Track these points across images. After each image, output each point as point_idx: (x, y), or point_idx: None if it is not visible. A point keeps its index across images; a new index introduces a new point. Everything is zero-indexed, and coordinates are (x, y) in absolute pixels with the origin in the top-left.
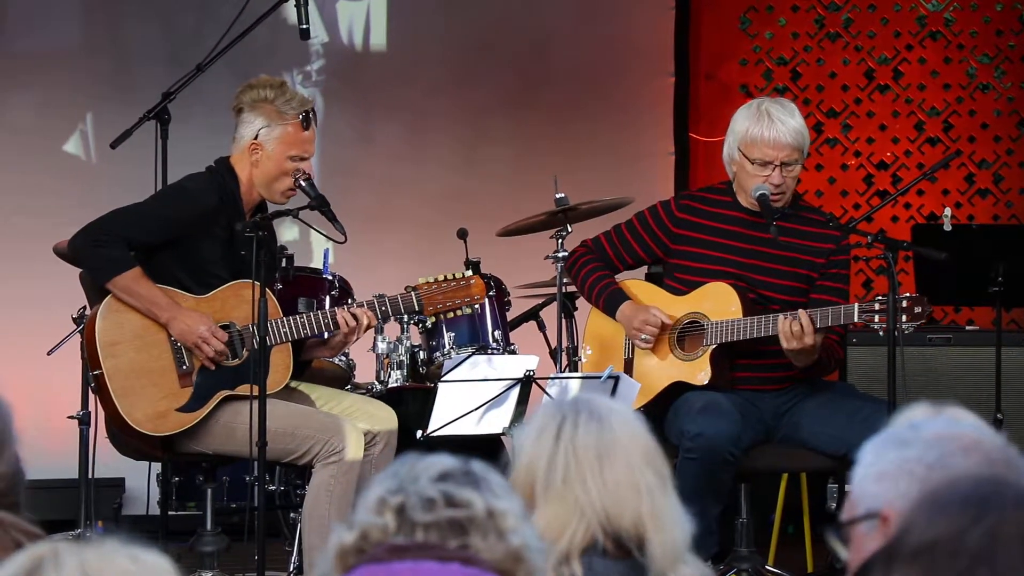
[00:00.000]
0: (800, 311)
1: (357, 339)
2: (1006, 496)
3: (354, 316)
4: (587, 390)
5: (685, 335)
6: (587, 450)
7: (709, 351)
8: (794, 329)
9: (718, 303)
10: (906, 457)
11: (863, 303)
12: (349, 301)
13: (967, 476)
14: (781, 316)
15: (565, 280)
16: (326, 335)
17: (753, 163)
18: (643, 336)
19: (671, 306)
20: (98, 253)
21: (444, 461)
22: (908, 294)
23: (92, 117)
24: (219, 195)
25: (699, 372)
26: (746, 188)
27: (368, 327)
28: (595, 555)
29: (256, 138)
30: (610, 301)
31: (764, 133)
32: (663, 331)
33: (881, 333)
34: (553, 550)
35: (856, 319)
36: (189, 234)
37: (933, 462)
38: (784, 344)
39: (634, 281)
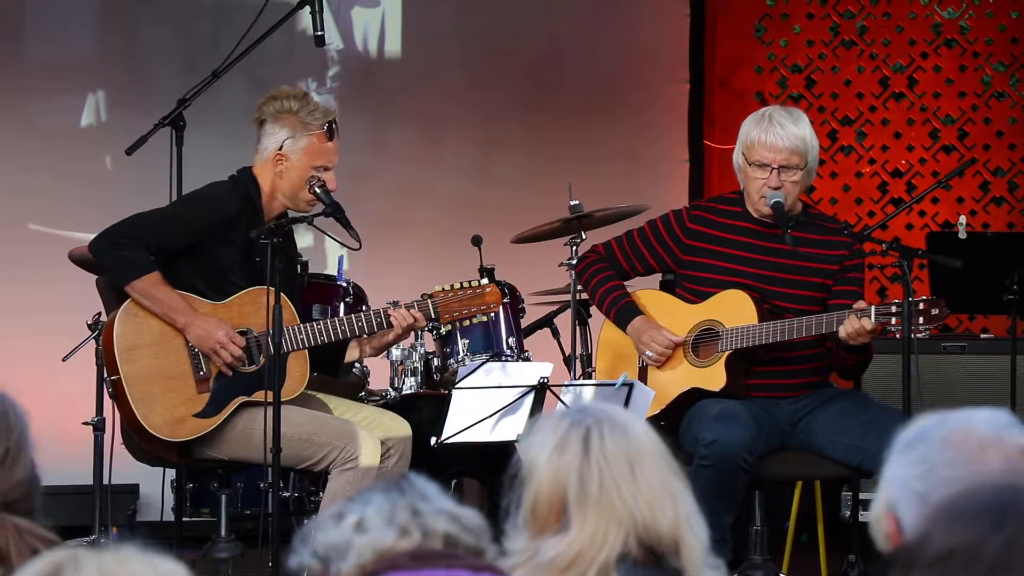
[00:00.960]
0: (852, 309)
1: (404, 338)
2: None
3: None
4: (601, 398)
5: (700, 342)
6: (617, 459)
7: (724, 357)
8: (863, 327)
9: (733, 310)
10: (908, 460)
11: (879, 306)
12: (363, 308)
13: (986, 485)
14: (838, 320)
15: (579, 287)
16: (358, 336)
17: (751, 165)
18: (648, 352)
19: (686, 315)
20: (118, 256)
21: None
22: (925, 297)
23: (108, 123)
24: (241, 204)
25: (714, 378)
26: (751, 194)
27: (412, 327)
28: (627, 564)
29: (281, 149)
30: (621, 314)
31: (762, 136)
32: (673, 350)
33: (898, 336)
34: (593, 562)
35: (873, 321)
36: (208, 241)
37: (928, 467)
38: (850, 341)
39: (647, 292)
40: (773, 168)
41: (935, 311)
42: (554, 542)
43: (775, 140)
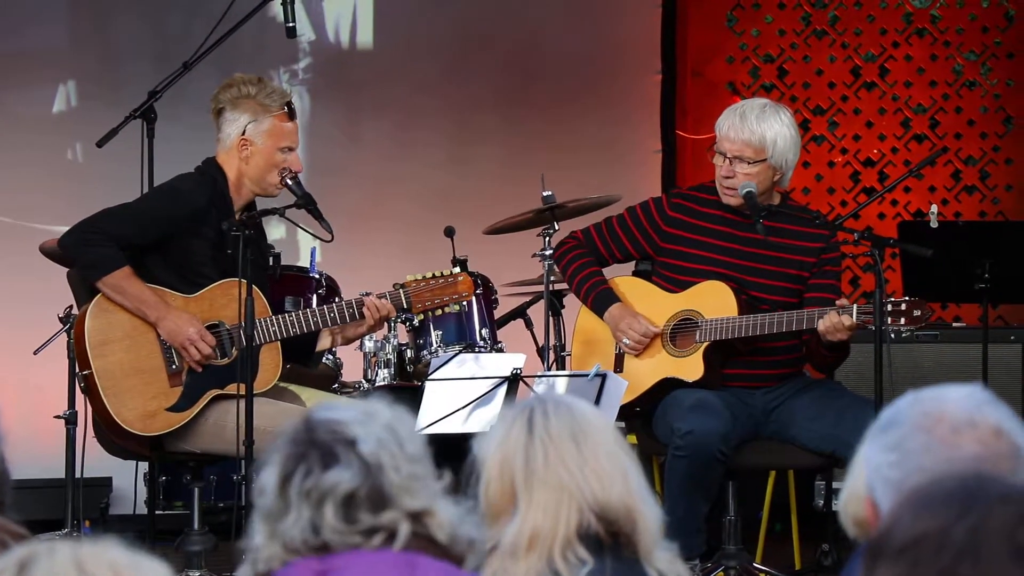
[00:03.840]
0: (835, 306)
1: (377, 329)
2: (991, 492)
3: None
4: (574, 389)
5: (677, 332)
6: (561, 434)
7: (702, 348)
8: (842, 323)
9: (713, 301)
10: (882, 445)
11: (861, 305)
12: (336, 299)
13: (952, 472)
14: (818, 315)
15: (552, 278)
16: (330, 326)
17: (716, 152)
18: (625, 340)
19: (665, 303)
20: (89, 251)
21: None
22: (908, 298)
23: (78, 115)
24: (209, 195)
25: (691, 369)
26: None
27: (386, 318)
28: (589, 542)
29: (244, 134)
30: (599, 301)
31: (723, 125)
32: (650, 339)
33: (893, 335)
34: (554, 539)
35: (854, 320)
36: (178, 234)
37: (902, 455)
38: (829, 337)
39: (626, 278)
40: (728, 157)
41: (917, 312)
42: (511, 525)
43: (729, 131)
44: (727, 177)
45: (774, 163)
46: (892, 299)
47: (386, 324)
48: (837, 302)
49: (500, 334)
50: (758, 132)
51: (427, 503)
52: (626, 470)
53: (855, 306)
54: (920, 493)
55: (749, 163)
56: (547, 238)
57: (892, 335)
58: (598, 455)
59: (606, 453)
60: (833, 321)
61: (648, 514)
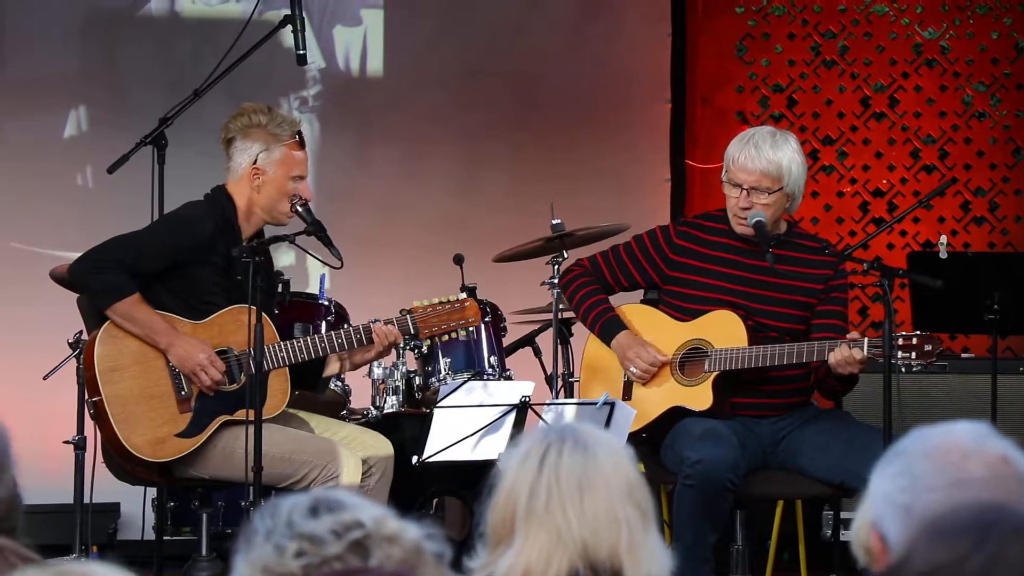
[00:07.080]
0: (845, 339)
1: (385, 355)
2: (1007, 523)
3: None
4: (582, 417)
5: (687, 361)
6: (569, 478)
7: (711, 378)
8: (853, 356)
9: (723, 331)
10: (890, 474)
11: (872, 339)
12: (344, 326)
13: (969, 503)
14: (828, 347)
15: (561, 306)
16: (337, 352)
17: (728, 183)
18: (632, 369)
19: (674, 331)
20: (99, 279)
21: (300, 499)
22: (919, 332)
23: (89, 142)
24: (217, 223)
25: (700, 398)
26: (728, 212)
27: (393, 344)
28: None
29: (255, 163)
30: (606, 328)
31: (737, 156)
32: (659, 368)
33: (904, 370)
34: None
35: (864, 352)
36: (187, 262)
37: (911, 479)
38: (839, 369)
39: (636, 306)
40: (744, 189)
41: (928, 347)
42: (506, 556)
43: (746, 162)
44: (745, 208)
45: (789, 190)
46: (904, 333)
47: (394, 351)
48: (848, 336)
49: (508, 362)
50: (775, 161)
51: None
52: (624, 523)
53: (866, 339)
54: (937, 523)
55: (768, 193)
56: (556, 266)
57: (902, 369)
58: (597, 507)
59: (607, 505)
60: (844, 355)
61: (638, 569)
